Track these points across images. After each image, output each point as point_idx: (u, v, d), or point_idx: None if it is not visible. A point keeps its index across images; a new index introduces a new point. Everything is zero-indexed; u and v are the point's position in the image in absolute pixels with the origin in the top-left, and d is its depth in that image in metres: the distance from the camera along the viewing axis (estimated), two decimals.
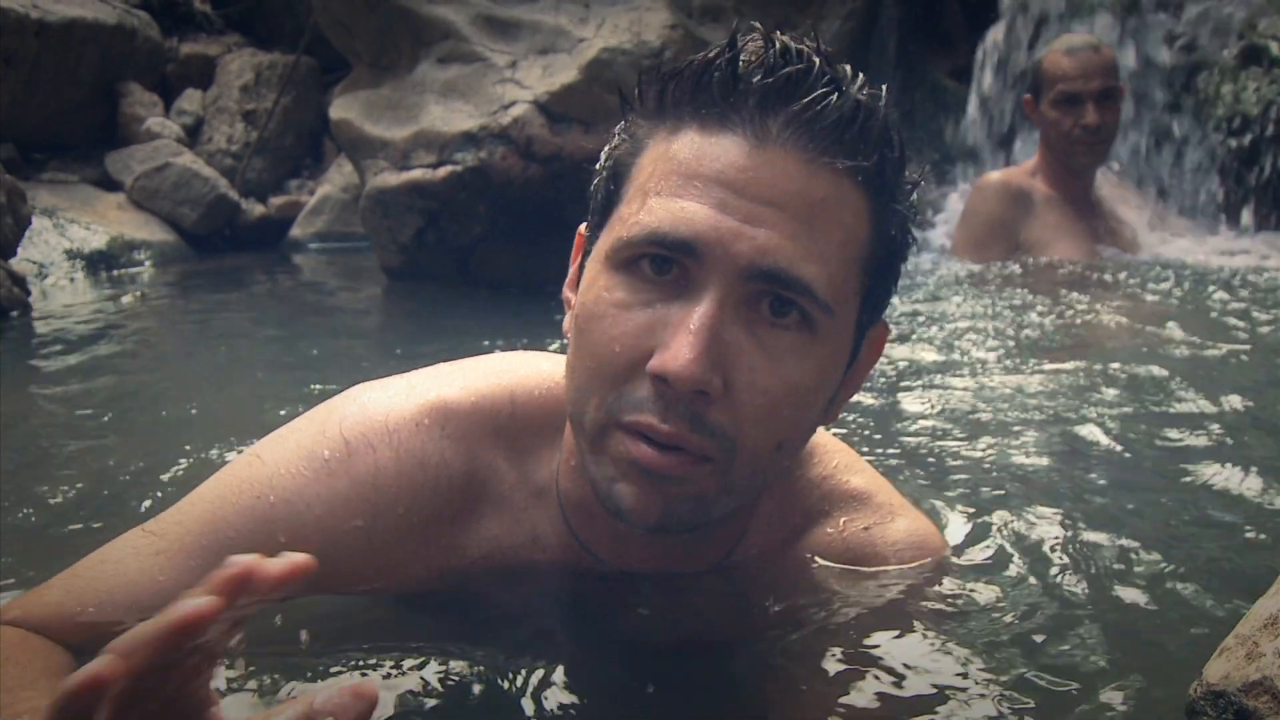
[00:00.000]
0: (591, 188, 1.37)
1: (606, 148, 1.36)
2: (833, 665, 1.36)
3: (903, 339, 3.57)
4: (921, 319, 3.95)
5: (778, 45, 1.25)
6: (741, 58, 1.24)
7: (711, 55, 1.26)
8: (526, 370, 1.47)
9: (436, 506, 1.38)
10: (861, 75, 1.28)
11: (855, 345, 1.35)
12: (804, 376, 1.26)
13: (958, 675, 1.34)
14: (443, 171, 4.84)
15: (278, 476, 1.36)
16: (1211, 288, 4.28)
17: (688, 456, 1.23)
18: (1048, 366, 3.24)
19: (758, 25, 1.27)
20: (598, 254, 1.30)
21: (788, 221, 1.22)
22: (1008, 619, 1.51)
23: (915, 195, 1.35)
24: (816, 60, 1.25)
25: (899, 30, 6.05)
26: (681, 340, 1.19)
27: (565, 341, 1.34)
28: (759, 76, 1.23)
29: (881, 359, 1.53)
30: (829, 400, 1.35)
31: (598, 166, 1.37)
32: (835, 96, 1.23)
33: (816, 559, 1.49)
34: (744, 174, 1.22)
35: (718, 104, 1.25)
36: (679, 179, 1.24)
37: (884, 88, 1.29)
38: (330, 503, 1.35)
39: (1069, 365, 3.24)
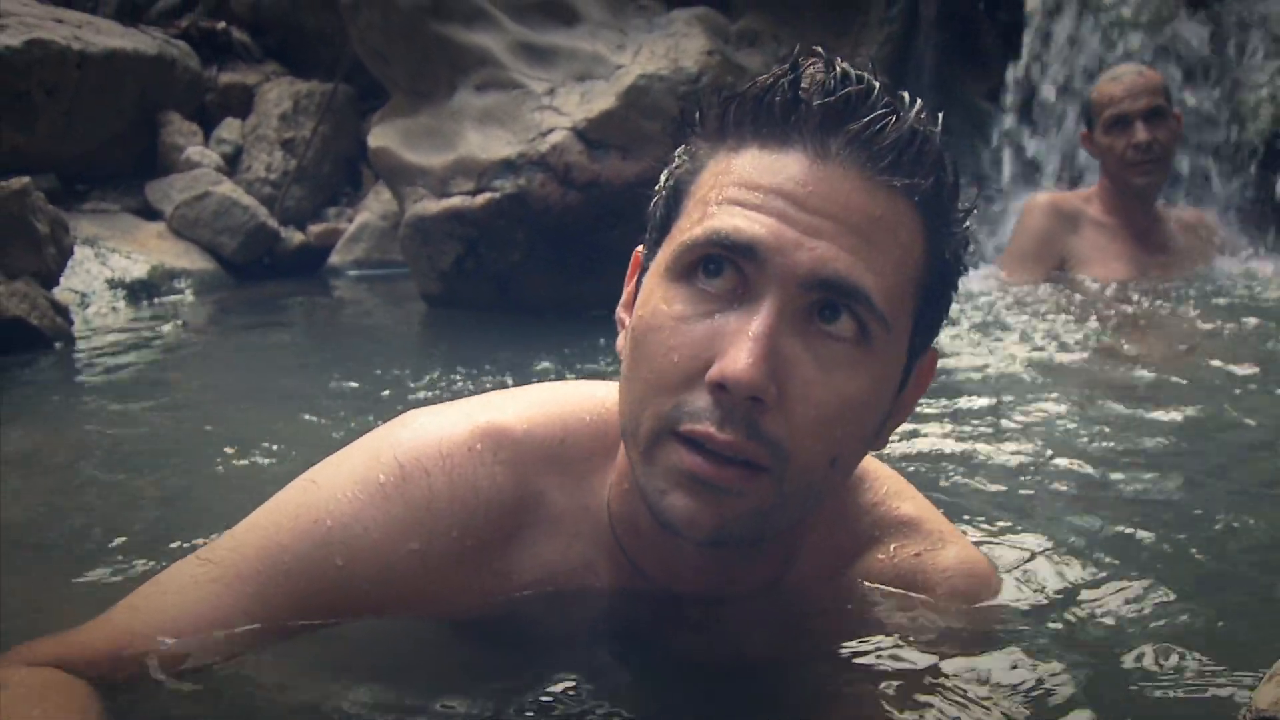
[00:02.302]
0: (650, 207, 1.39)
1: (667, 169, 1.38)
2: (882, 691, 1.36)
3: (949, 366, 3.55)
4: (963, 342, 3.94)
5: (838, 69, 1.28)
6: (802, 81, 1.27)
7: (773, 78, 1.29)
8: (579, 398, 1.48)
9: (489, 531, 1.40)
10: (919, 101, 1.30)
11: (906, 370, 1.36)
12: (856, 390, 1.27)
13: (1007, 702, 1.33)
14: (482, 199, 4.86)
15: (334, 501, 1.37)
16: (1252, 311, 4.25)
17: (743, 469, 1.23)
18: (1087, 393, 3.22)
19: (819, 50, 1.30)
20: (655, 268, 1.32)
21: (847, 235, 1.24)
22: (1056, 646, 1.50)
23: (969, 224, 1.37)
24: (875, 84, 1.27)
25: (935, 54, 6.06)
26: (741, 347, 1.21)
27: (619, 359, 1.36)
28: (820, 98, 1.26)
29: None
30: (880, 423, 1.35)
31: (657, 187, 1.39)
32: (893, 118, 1.26)
33: (866, 584, 1.50)
34: (804, 188, 1.25)
35: (779, 124, 1.28)
36: (739, 189, 1.27)
37: (939, 115, 1.32)
38: (386, 527, 1.36)
39: (1110, 391, 3.22)
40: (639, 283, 1.37)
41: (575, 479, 1.44)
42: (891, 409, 1.36)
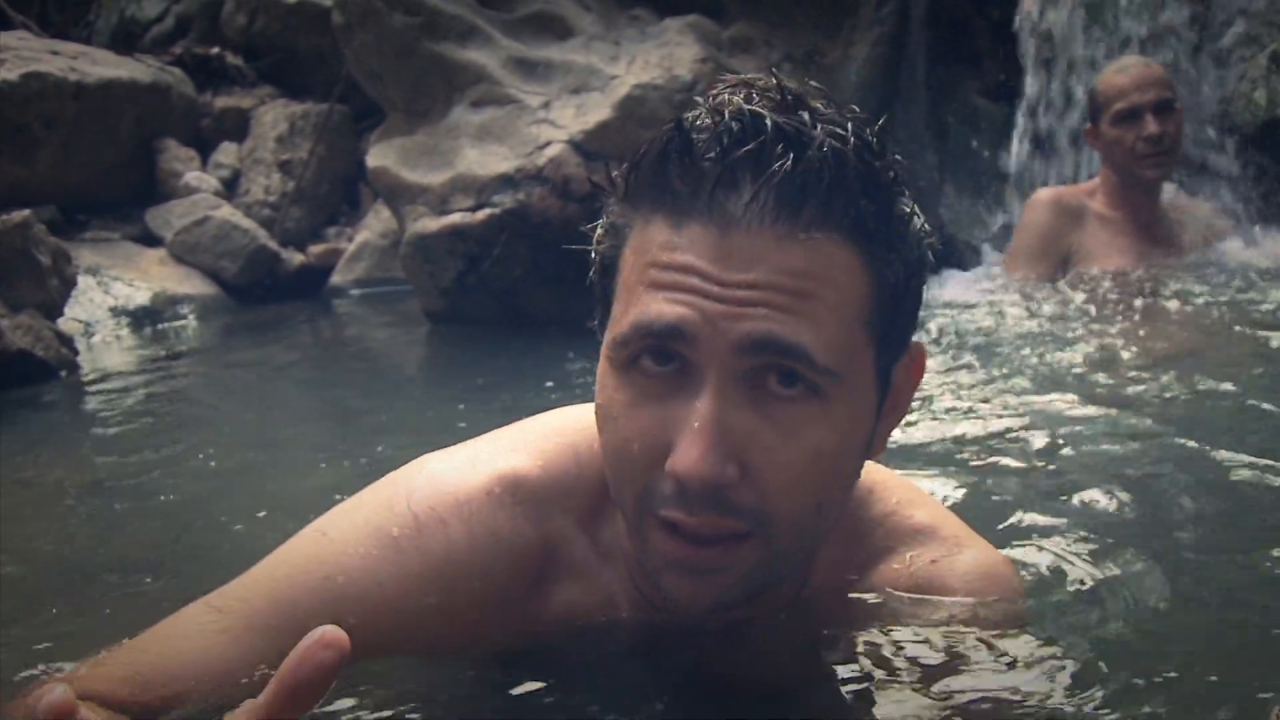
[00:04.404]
0: (589, 278, 1.35)
1: (594, 242, 1.34)
2: (907, 701, 1.34)
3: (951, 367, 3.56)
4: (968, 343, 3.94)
5: (727, 115, 1.20)
6: (691, 138, 1.20)
7: (663, 139, 1.23)
8: (586, 425, 1.43)
9: (512, 577, 1.36)
10: (828, 113, 1.22)
11: (883, 386, 1.31)
12: (823, 442, 1.23)
13: (1033, 707, 1.31)
14: (481, 215, 4.86)
15: (346, 556, 1.33)
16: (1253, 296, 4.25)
17: (724, 545, 1.22)
18: (1096, 388, 3.21)
19: (700, 100, 1.24)
20: (603, 351, 1.29)
21: (773, 296, 1.18)
22: (1082, 647, 1.48)
23: (916, 224, 1.29)
24: (769, 121, 1.18)
25: (928, 53, 6.06)
26: (688, 440, 1.18)
27: None
28: (712, 157, 1.19)
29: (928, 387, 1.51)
30: (864, 449, 1.32)
31: (591, 256, 1.34)
32: (790, 160, 1.17)
33: (885, 595, 1.46)
34: (716, 264, 1.18)
35: (675, 194, 1.21)
36: (656, 270, 1.21)
37: (872, 126, 1.24)
38: (402, 582, 1.32)
39: (1119, 387, 3.21)
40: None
41: (592, 515, 1.40)
42: (876, 426, 1.33)
